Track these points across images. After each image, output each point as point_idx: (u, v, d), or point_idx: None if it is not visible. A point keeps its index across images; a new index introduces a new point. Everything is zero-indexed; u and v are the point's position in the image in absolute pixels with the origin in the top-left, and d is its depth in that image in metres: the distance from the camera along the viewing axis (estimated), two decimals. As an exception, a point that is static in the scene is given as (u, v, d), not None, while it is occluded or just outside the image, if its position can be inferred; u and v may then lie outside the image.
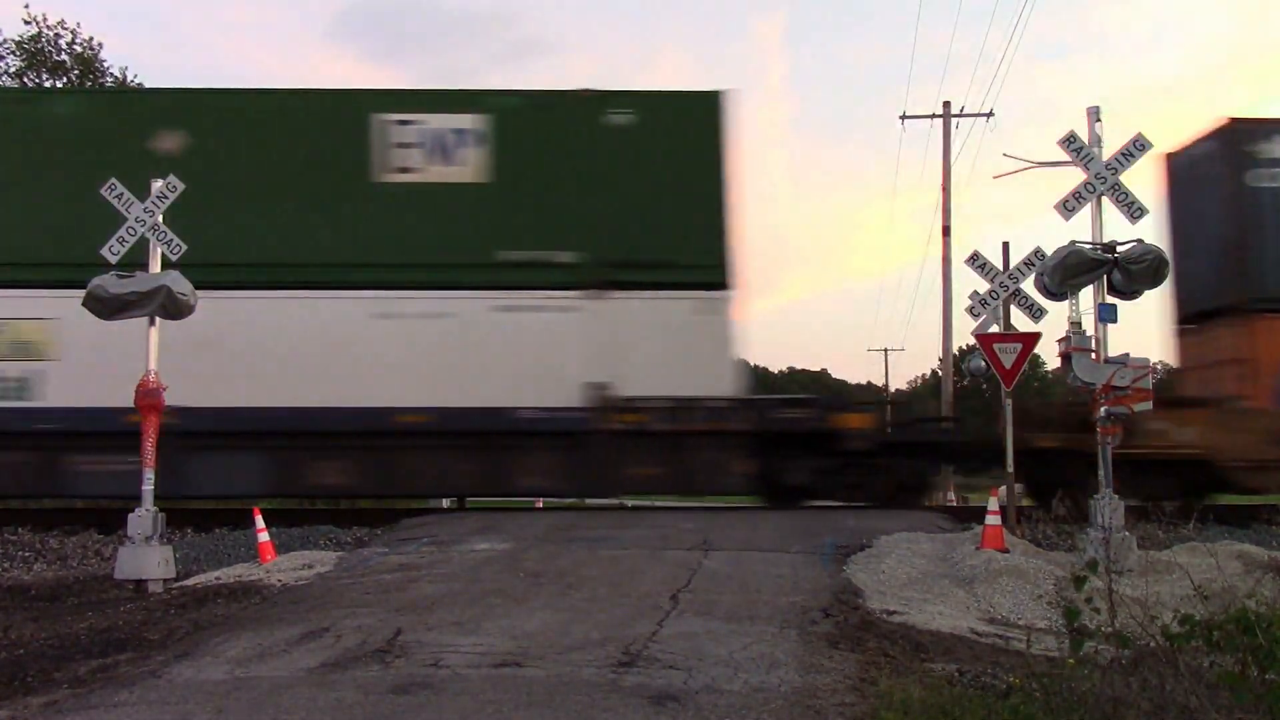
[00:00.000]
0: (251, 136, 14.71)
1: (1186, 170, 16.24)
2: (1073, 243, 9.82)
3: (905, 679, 5.49)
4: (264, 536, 10.62)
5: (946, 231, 26.24)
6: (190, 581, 9.78)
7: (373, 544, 11.48)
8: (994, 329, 12.26)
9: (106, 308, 10.02)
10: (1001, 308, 12.41)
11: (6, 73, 26.54)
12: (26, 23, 26.83)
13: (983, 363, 13.40)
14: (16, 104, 16.33)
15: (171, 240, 10.18)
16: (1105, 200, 9.92)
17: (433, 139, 14.54)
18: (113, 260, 10.16)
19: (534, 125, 14.68)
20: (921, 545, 10.42)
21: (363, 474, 14.34)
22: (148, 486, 9.80)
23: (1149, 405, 9.74)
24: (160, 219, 10.23)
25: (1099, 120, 10.11)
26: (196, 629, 7.44)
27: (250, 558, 10.75)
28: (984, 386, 40.19)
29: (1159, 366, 23.84)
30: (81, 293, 10.06)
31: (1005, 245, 12.46)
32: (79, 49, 27.31)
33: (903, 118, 28.54)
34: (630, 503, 18.86)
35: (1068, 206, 10.00)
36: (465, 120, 14.58)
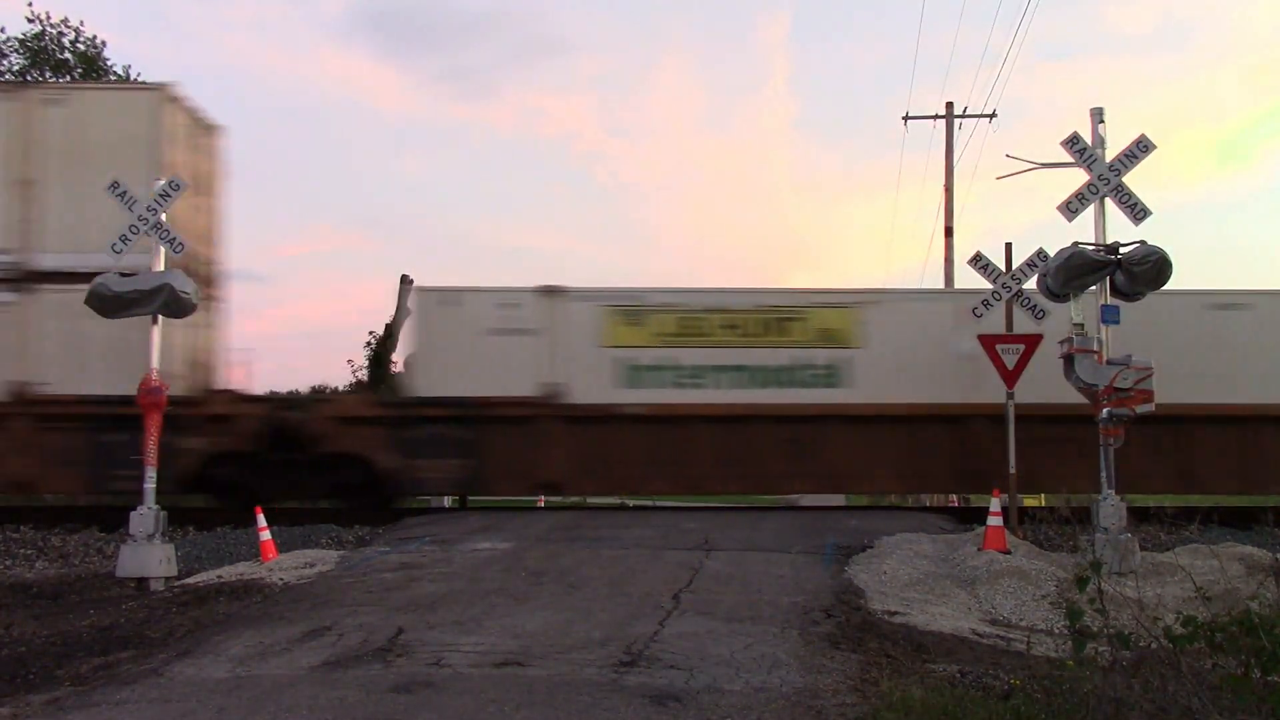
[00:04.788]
0: None
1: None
2: (1075, 244, 9.81)
3: (906, 680, 5.49)
4: (266, 535, 10.62)
5: (949, 232, 26.17)
6: (192, 580, 9.79)
7: (374, 543, 11.49)
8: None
9: (109, 306, 10.00)
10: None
11: (10, 71, 26.52)
12: (30, 20, 26.88)
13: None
14: None
15: (174, 238, 10.13)
16: (1108, 201, 9.93)
17: None
18: (114, 259, 10.12)
19: None
20: (923, 546, 10.41)
21: None
22: (149, 484, 9.81)
23: (1152, 407, 9.73)
24: (164, 217, 10.16)
25: (1102, 121, 10.10)
26: (198, 627, 7.45)
27: (252, 556, 10.75)
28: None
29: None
30: None
31: (1008, 246, 12.41)
32: (82, 47, 27.30)
33: (905, 118, 28.38)
34: (631, 502, 18.85)
35: (1071, 208, 10.00)
36: None
